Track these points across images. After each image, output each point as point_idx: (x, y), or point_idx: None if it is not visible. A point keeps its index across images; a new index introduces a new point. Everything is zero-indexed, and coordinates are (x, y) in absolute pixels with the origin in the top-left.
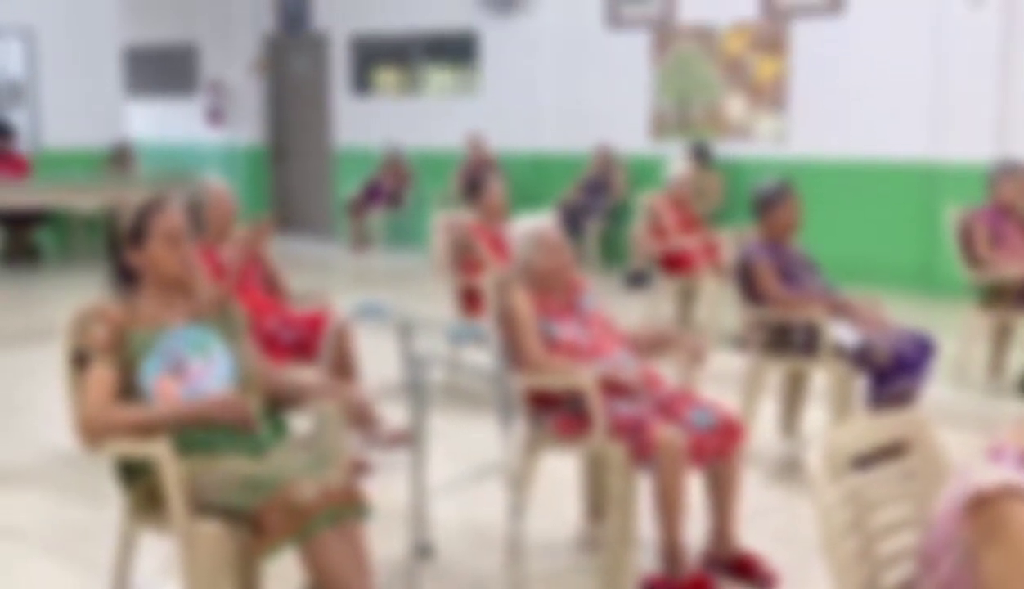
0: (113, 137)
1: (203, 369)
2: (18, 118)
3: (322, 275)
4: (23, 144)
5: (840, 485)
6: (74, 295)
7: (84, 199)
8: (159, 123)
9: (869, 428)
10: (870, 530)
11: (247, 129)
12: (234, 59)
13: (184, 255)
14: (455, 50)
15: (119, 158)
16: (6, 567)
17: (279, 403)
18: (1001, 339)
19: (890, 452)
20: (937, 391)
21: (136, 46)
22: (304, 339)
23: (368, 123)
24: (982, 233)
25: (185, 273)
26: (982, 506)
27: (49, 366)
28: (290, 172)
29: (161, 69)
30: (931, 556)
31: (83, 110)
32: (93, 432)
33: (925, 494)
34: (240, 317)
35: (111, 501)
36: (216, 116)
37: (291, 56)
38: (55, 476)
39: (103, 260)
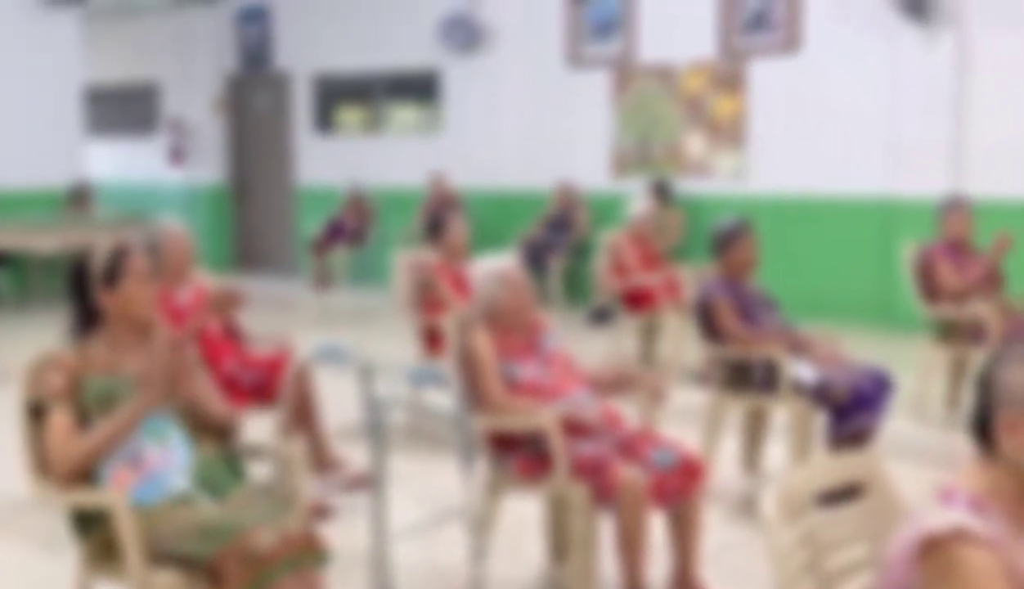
0: (72, 177)
1: (160, 458)
2: None
3: (285, 314)
4: None
5: (796, 527)
6: (31, 338)
7: (42, 241)
8: (120, 163)
9: (824, 469)
10: (826, 572)
11: (209, 168)
12: (195, 97)
13: (153, 296)
14: (418, 88)
15: (78, 199)
16: None
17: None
18: (958, 373)
19: (853, 490)
20: (896, 426)
21: (97, 85)
22: (264, 381)
23: (331, 161)
24: (945, 269)
25: (153, 314)
26: (933, 549)
27: (4, 411)
28: (252, 211)
29: (122, 108)
30: None
31: (42, 150)
32: (65, 470)
33: (881, 534)
34: (194, 360)
35: (68, 549)
36: (177, 155)
37: (253, 94)
38: (9, 524)
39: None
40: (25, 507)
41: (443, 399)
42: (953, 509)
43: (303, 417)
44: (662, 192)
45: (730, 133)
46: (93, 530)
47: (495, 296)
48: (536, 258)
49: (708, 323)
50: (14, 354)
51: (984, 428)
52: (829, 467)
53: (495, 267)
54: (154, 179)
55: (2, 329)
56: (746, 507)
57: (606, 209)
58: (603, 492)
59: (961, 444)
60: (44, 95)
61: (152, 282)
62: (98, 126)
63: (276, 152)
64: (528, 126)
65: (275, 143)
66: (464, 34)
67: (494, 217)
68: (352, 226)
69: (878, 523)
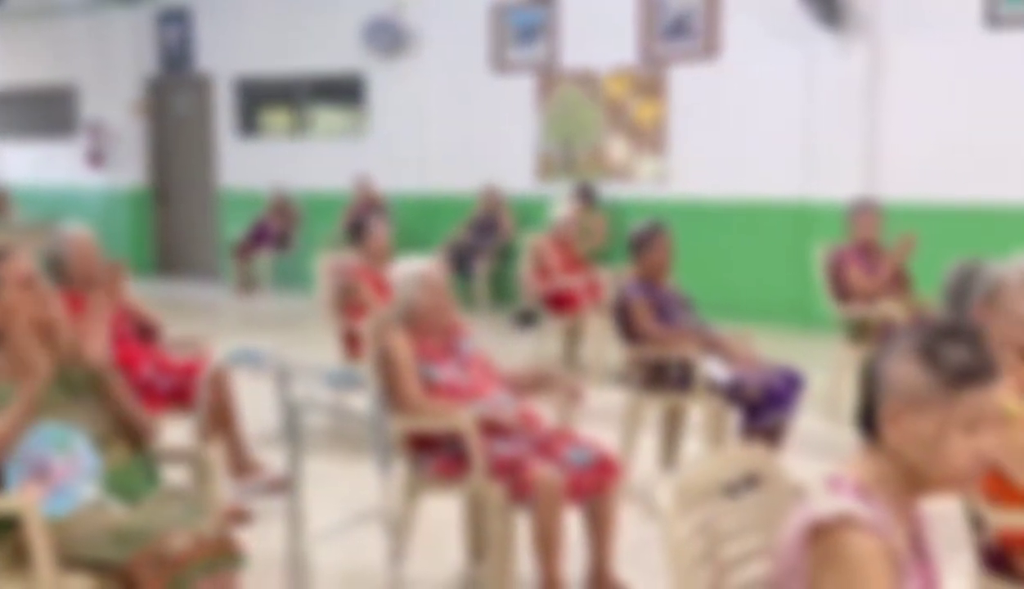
0: None
1: (66, 467)
2: None
3: (207, 319)
4: None
5: (692, 518)
6: None
7: None
8: (36, 166)
9: (719, 463)
10: (722, 561)
11: (129, 171)
12: (115, 100)
13: (40, 300)
14: (343, 92)
15: None
16: None
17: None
18: None
19: (750, 482)
20: (808, 423)
21: (11, 87)
22: (181, 386)
23: (254, 164)
24: (855, 270)
25: (44, 317)
26: (820, 534)
27: None
28: (174, 214)
29: (38, 111)
30: (778, 584)
31: None
32: None
33: (775, 524)
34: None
35: None
36: (96, 158)
37: (174, 97)
38: None
39: None
40: None
41: (362, 401)
42: (840, 496)
43: (221, 422)
44: (586, 196)
45: (651, 138)
46: (2, 536)
47: (414, 298)
48: (462, 261)
49: (625, 324)
50: None
51: (869, 419)
52: (724, 460)
53: (415, 269)
54: (73, 182)
55: None
56: None
57: (531, 212)
58: (520, 491)
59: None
60: None
61: (41, 286)
62: (13, 129)
63: (198, 155)
64: (453, 130)
65: (197, 146)
66: (388, 38)
67: (420, 220)
68: (276, 230)
69: (772, 512)
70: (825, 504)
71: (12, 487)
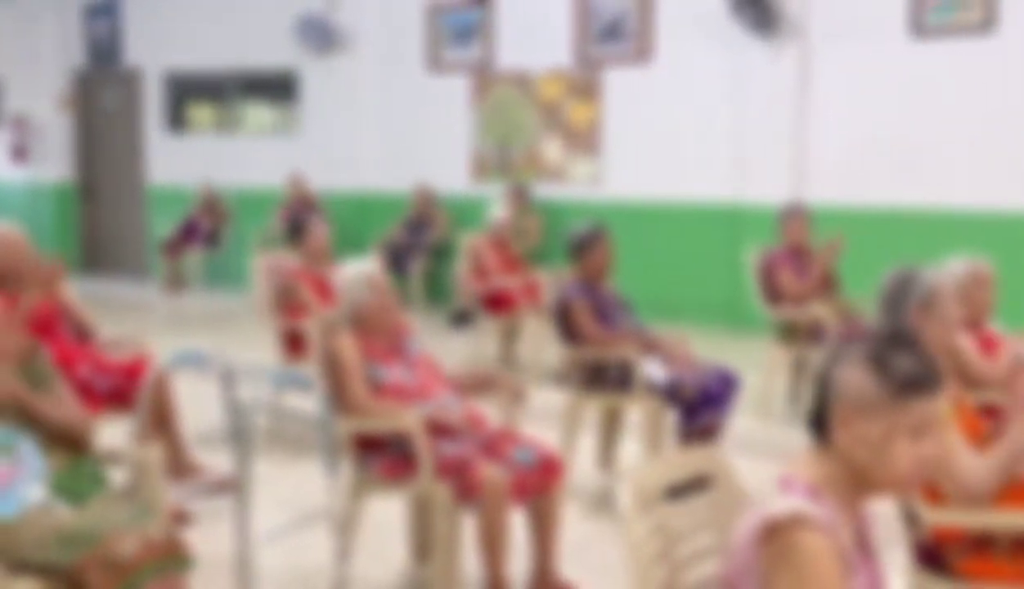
0: None
1: (10, 471)
2: None
3: (136, 317)
4: None
5: (649, 518)
6: None
7: None
8: None
9: (674, 464)
10: (676, 560)
11: (55, 166)
12: (40, 93)
13: None
14: (274, 88)
15: None
16: None
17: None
18: (799, 372)
19: (698, 483)
20: (741, 422)
21: None
22: (120, 387)
23: (183, 161)
24: (786, 273)
25: None
26: (773, 533)
27: None
28: (101, 211)
29: None
30: (731, 582)
31: None
32: None
33: (726, 523)
34: (47, 366)
35: None
36: (20, 153)
37: (102, 91)
38: None
39: None
40: None
41: (304, 402)
42: (792, 496)
43: (160, 423)
44: (520, 197)
45: (586, 140)
46: None
47: (360, 300)
48: (396, 260)
49: (565, 325)
50: None
51: (820, 422)
52: (678, 462)
53: (359, 271)
54: None
55: None
56: (602, 503)
57: (465, 212)
58: (466, 491)
59: (802, 438)
60: None
61: None
62: None
63: (126, 150)
64: (387, 129)
65: (125, 141)
66: (321, 35)
67: (353, 219)
68: (206, 227)
69: (723, 513)
70: (778, 504)
71: None
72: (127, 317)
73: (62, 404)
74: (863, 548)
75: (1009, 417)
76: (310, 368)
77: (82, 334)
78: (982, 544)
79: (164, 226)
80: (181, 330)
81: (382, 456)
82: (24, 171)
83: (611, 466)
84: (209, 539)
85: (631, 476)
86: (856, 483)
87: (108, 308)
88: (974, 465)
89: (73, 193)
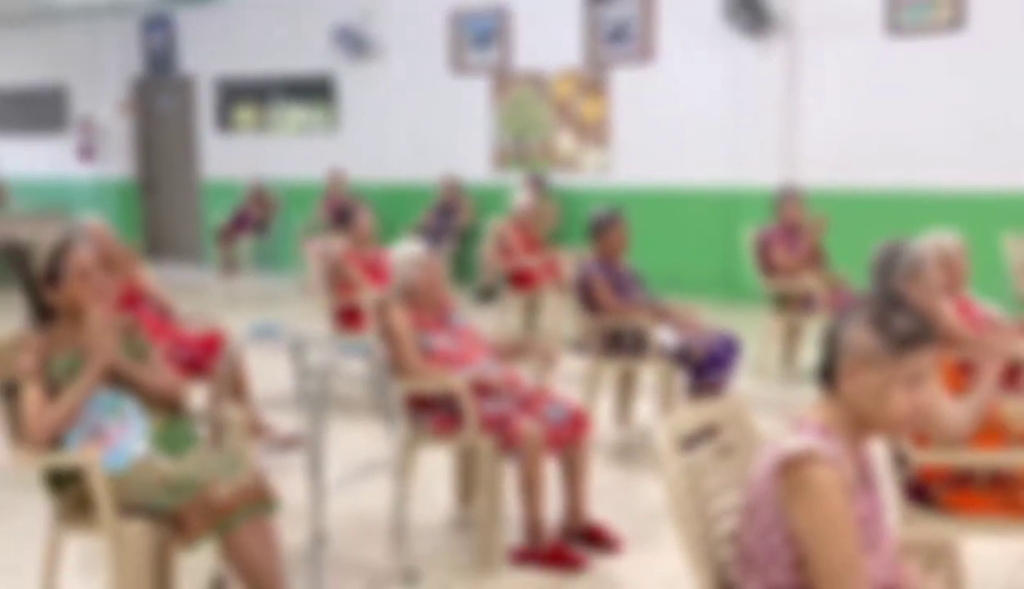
0: None
1: (120, 430)
2: None
3: (194, 299)
4: None
5: (680, 458)
6: None
7: None
8: (29, 159)
9: (697, 413)
10: (703, 493)
11: (117, 164)
12: (104, 99)
13: (95, 288)
14: (314, 91)
15: None
16: None
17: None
18: (792, 337)
19: (708, 433)
20: (742, 382)
21: (7, 87)
22: (196, 358)
23: (233, 157)
24: (779, 249)
25: (100, 302)
26: (790, 467)
27: None
28: (160, 203)
29: (33, 109)
30: (751, 509)
31: None
32: (43, 435)
33: (743, 463)
34: (144, 340)
35: (20, 512)
36: (87, 152)
37: (158, 96)
38: None
39: None
40: None
41: (357, 368)
42: (804, 435)
43: (236, 390)
44: (538, 185)
45: (595, 132)
46: (66, 488)
47: (411, 277)
48: (427, 243)
49: (587, 298)
50: None
51: (829, 374)
52: (701, 411)
53: (411, 252)
54: (64, 175)
55: None
56: (621, 454)
57: (488, 199)
58: (507, 443)
59: (795, 396)
60: None
61: (95, 274)
62: (9, 125)
63: (181, 149)
64: (416, 125)
65: (180, 141)
66: (355, 44)
67: (387, 207)
68: (255, 217)
69: (739, 453)
70: (793, 442)
71: (71, 444)
72: (187, 298)
73: (158, 372)
74: (865, 480)
75: (981, 372)
76: (367, 338)
77: (162, 312)
78: (962, 480)
79: (217, 216)
80: (236, 309)
81: (432, 414)
82: (90, 169)
83: (627, 422)
84: (282, 489)
85: (665, 423)
86: (859, 425)
87: (169, 290)
88: (953, 412)
89: (134, 188)
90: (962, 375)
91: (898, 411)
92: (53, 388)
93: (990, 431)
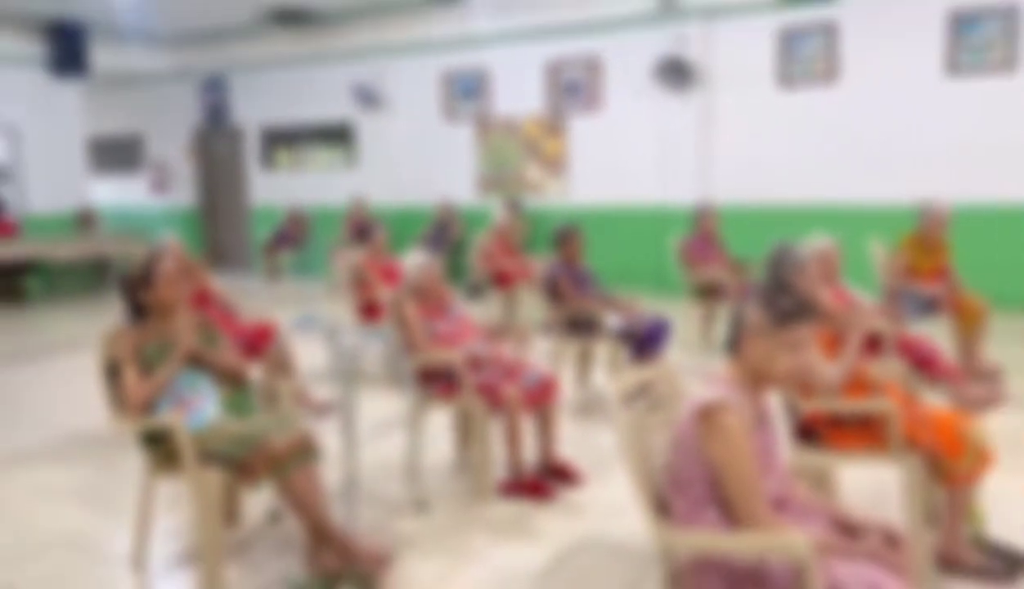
0: (79, 204)
1: (198, 401)
2: (8, 193)
3: (246, 300)
4: (13, 211)
5: (625, 410)
6: (56, 325)
7: (62, 251)
8: (114, 193)
9: (637, 376)
10: (642, 435)
11: (183, 195)
12: (172, 144)
13: (178, 290)
14: (337, 135)
15: (85, 220)
16: (51, 514)
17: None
18: (708, 320)
19: (645, 391)
20: (671, 354)
21: (97, 135)
22: (251, 344)
23: (273, 188)
24: (692, 255)
25: (180, 301)
26: (705, 413)
27: (42, 378)
28: (217, 225)
29: (116, 153)
30: (678, 445)
31: (57, 184)
32: (140, 405)
33: (671, 412)
34: (215, 330)
35: (116, 466)
36: (159, 186)
37: (215, 141)
38: (66, 452)
39: (80, 297)
40: (76, 439)
41: (377, 349)
42: (716, 388)
43: (284, 368)
44: (514, 206)
45: (556, 165)
46: (157, 445)
47: (419, 278)
48: (429, 252)
49: (552, 292)
50: (44, 337)
51: (733, 343)
52: (641, 373)
53: (417, 260)
54: (141, 204)
55: (34, 318)
56: (580, 411)
57: (474, 217)
58: (494, 404)
59: (711, 364)
60: (58, 144)
61: (179, 280)
62: (99, 166)
63: (233, 183)
64: (418, 161)
65: (232, 176)
66: (370, 97)
67: (396, 225)
68: (293, 235)
69: (668, 406)
70: (707, 393)
71: (162, 413)
72: (240, 299)
73: (227, 355)
74: (761, 422)
75: (848, 341)
76: (384, 326)
77: (226, 309)
78: (837, 423)
79: (262, 234)
80: (279, 306)
81: (437, 383)
82: (162, 200)
83: (585, 386)
84: (323, 443)
85: (615, 384)
86: (755, 381)
87: (227, 294)
88: (827, 371)
89: (197, 214)
90: (835, 344)
91: (783, 370)
92: (146, 369)
93: (858, 385)
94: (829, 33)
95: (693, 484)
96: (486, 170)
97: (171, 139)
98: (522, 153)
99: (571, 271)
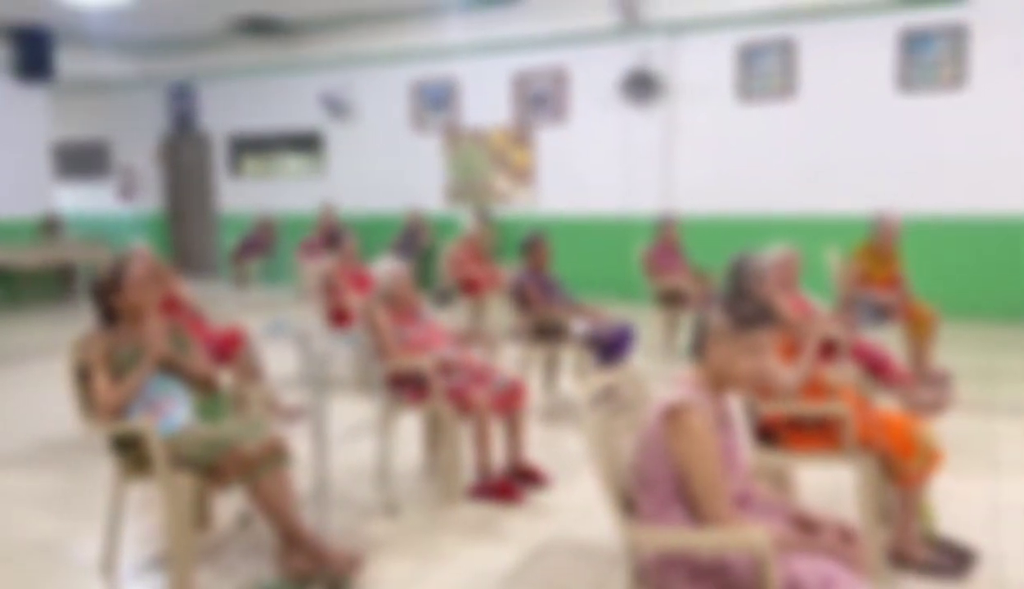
0: (44, 210)
1: (169, 405)
2: None
3: (214, 306)
4: None
5: (593, 412)
6: (23, 331)
7: (26, 257)
8: (81, 198)
9: (605, 379)
10: (609, 436)
11: (150, 201)
12: (139, 150)
13: (149, 295)
14: (306, 144)
15: (50, 226)
16: (19, 521)
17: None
18: (671, 326)
19: (611, 394)
20: (636, 359)
21: (63, 141)
22: (220, 350)
23: (241, 196)
24: (655, 264)
25: (151, 306)
26: (670, 414)
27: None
28: (184, 232)
29: (82, 158)
30: (644, 445)
31: (21, 190)
32: (111, 410)
33: (636, 414)
34: (187, 335)
35: (86, 471)
36: (126, 192)
37: (183, 148)
38: (35, 458)
39: (46, 305)
40: (46, 445)
41: (347, 355)
42: (680, 390)
43: (253, 374)
44: (482, 215)
45: (524, 175)
46: (129, 450)
47: (391, 285)
48: (398, 260)
49: (520, 299)
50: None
51: (697, 346)
52: (607, 378)
53: (388, 267)
54: (108, 211)
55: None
56: (547, 415)
57: (443, 226)
58: (463, 408)
59: (674, 370)
60: (22, 150)
61: (149, 284)
62: (64, 172)
63: (201, 189)
64: (387, 170)
65: (200, 183)
66: (339, 106)
67: (365, 233)
68: (261, 242)
69: (634, 408)
70: (672, 394)
71: (133, 418)
72: (208, 306)
73: (197, 360)
74: (724, 422)
75: (805, 347)
76: (355, 332)
77: (195, 315)
78: (795, 425)
79: (230, 242)
80: (248, 313)
81: (406, 388)
82: (129, 206)
83: (553, 391)
84: (294, 447)
85: (583, 387)
86: (718, 383)
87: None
88: (785, 375)
89: (164, 220)
90: (793, 350)
91: (743, 372)
92: (117, 374)
93: (815, 389)
94: (786, 50)
95: (659, 483)
96: (454, 179)
97: (138, 146)
98: (490, 163)
99: (538, 279)
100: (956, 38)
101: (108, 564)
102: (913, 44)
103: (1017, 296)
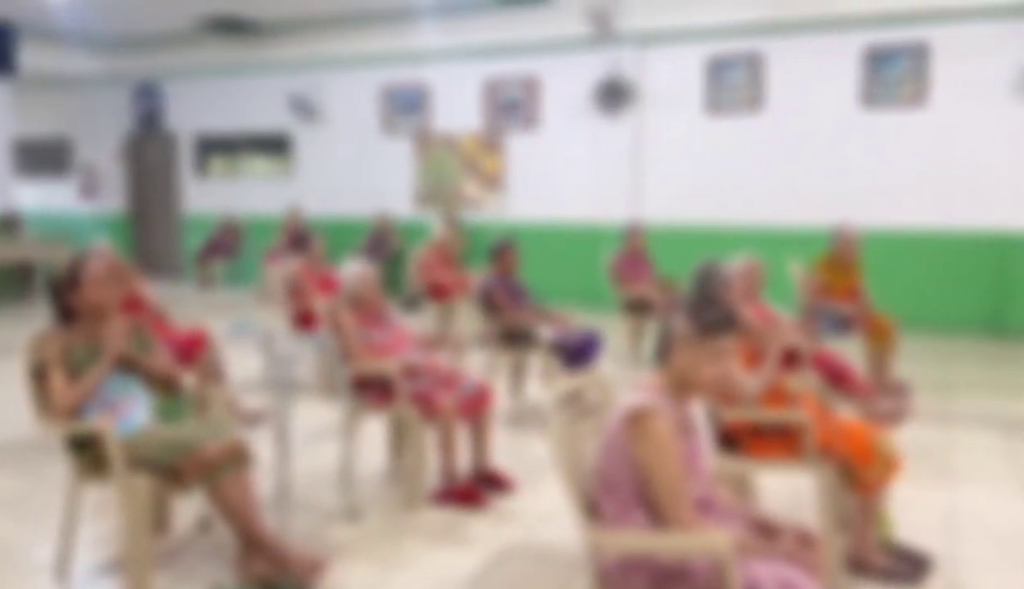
0: (3, 207)
1: (128, 406)
2: None
3: (177, 308)
4: None
5: (560, 415)
6: None
7: None
8: (41, 197)
9: (572, 384)
10: (574, 439)
11: (112, 201)
12: (102, 149)
13: (109, 294)
14: (274, 145)
15: (9, 224)
16: None
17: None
18: (637, 333)
19: (576, 399)
20: (603, 365)
21: (22, 138)
22: (184, 351)
23: (207, 197)
24: (622, 272)
25: (111, 305)
26: (633, 418)
27: None
28: (147, 233)
29: (43, 156)
30: (607, 449)
31: None
32: (67, 409)
33: (600, 418)
34: (148, 335)
35: (40, 472)
36: (88, 191)
37: (147, 147)
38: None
39: (5, 303)
40: (9, 445)
41: (312, 357)
42: (643, 394)
43: (215, 376)
44: (451, 220)
45: (494, 181)
46: (85, 450)
47: (356, 287)
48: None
49: (488, 305)
50: None
51: (662, 352)
52: (575, 382)
53: (356, 269)
54: (69, 210)
55: None
56: (514, 420)
57: (412, 231)
58: (429, 413)
59: (639, 375)
60: None
61: (108, 283)
62: (24, 169)
63: (165, 190)
64: (356, 174)
65: (164, 183)
66: (307, 108)
67: (333, 237)
68: (226, 243)
69: (600, 411)
70: (635, 398)
71: (91, 419)
72: (172, 308)
73: (159, 360)
74: (686, 427)
75: (767, 355)
76: (320, 334)
77: (157, 315)
78: (757, 432)
79: (194, 243)
80: (212, 314)
81: (371, 391)
82: (91, 205)
83: (519, 397)
84: (256, 450)
85: (551, 391)
86: (681, 388)
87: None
88: (748, 382)
89: (127, 220)
90: (755, 358)
91: (706, 378)
92: (74, 373)
93: (777, 397)
94: (754, 64)
95: (621, 486)
96: (424, 184)
97: (102, 144)
98: (460, 169)
99: (506, 284)
100: (918, 57)
101: (62, 568)
102: (876, 61)
103: (974, 309)
